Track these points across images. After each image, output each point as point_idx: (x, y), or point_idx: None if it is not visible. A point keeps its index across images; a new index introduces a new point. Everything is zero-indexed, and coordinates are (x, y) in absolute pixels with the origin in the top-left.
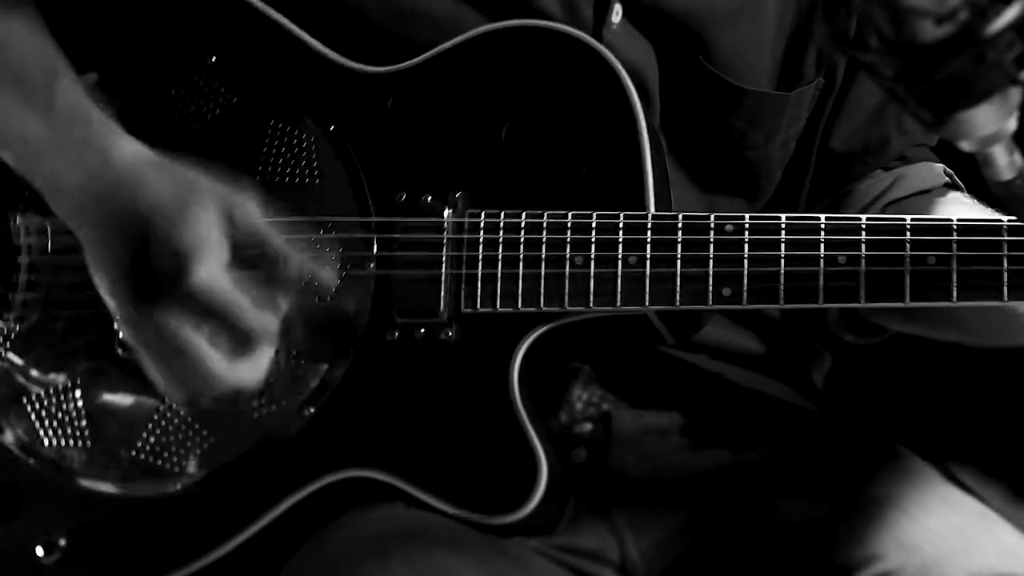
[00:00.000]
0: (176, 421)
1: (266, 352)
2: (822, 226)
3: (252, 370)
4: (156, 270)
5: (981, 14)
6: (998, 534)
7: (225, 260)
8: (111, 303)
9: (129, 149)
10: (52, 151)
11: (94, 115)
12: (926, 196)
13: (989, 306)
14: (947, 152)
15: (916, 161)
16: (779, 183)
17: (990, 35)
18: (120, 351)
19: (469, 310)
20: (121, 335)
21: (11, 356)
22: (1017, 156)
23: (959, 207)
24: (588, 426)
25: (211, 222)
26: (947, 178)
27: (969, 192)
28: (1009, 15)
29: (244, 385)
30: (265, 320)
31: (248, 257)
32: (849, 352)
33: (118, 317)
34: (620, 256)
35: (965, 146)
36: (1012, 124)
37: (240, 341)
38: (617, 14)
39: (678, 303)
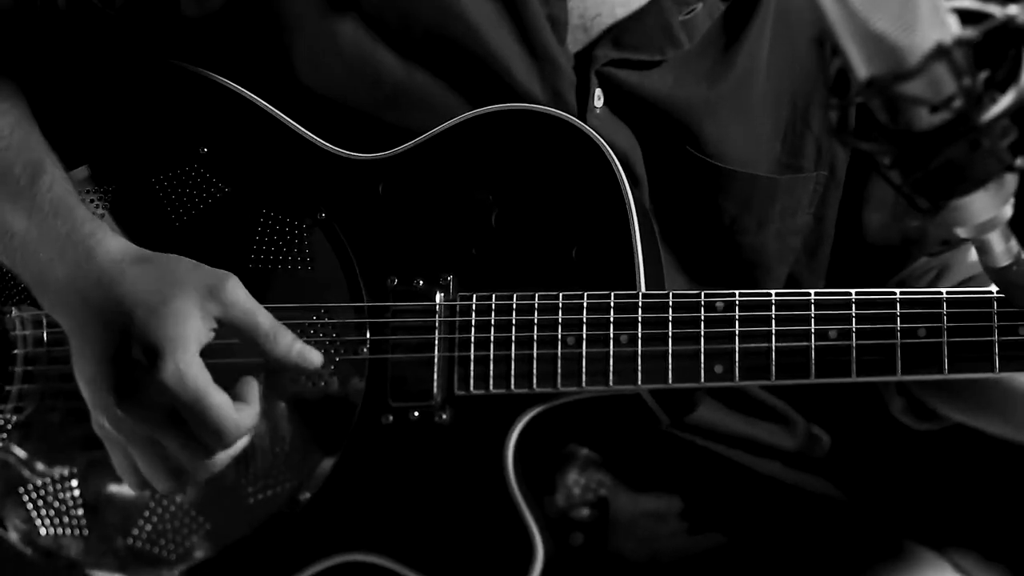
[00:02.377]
0: (173, 508)
1: (237, 445)
2: (812, 301)
3: (218, 462)
4: (134, 362)
5: (976, 102)
6: None
7: (197, 352)
8: (87, 393)
9: (114, 245)
10: (37, 246)
11: (79, 212)
12: (971, 283)
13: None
14: None
15: (961, 243)
16: (788, 279)
17: (985, 122)
18: None
19: (463, 392)
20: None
21: (8, 447)
22: (1013, 243)
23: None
24: (585, 511)
25: (188, 314)
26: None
27: None
28: (1004, 103)
29: (210, 473)
30: (233, 416)
31: (234, 338)
32: (847, 433)
33: (94, 406)
34: (612, 336)
35: (961, 233)
36: (1008, 211)
37: (210, 433)
38: (599, 99)
39: (670, 381)
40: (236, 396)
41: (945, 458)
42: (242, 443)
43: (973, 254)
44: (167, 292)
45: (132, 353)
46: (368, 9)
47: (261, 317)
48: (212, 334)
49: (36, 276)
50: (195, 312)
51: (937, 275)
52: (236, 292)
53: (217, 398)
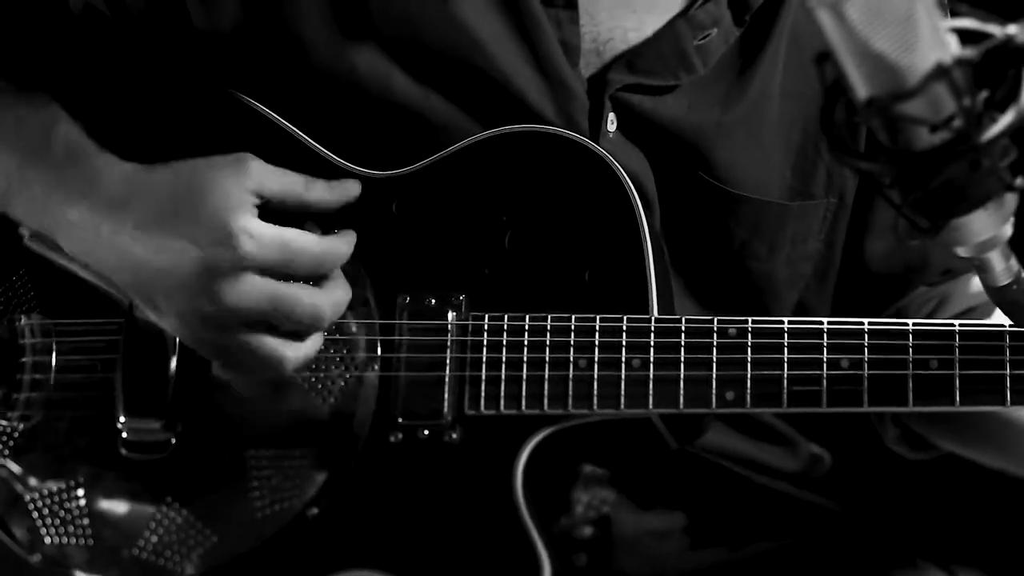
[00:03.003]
0: (179, 521)
1: (339, 274)
2: (825, 330)
3: (336, 298)
4: (206, 261)
5: (976, 122)
6: None
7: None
8: (188, 313)
9: (128, 167)
10: (56, 187)
11: (91, 147)
12: (972, 314)
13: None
14: None
15: (961, 273)
16: (799, 307)
17: (985, 142)
18: (123, 451)
19: (473, 412)
20: (124, 428)
21: (15, 455)
22: (1013, 262)
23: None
24: (588, 530)
25: (230, 193)
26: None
27: None
28: (1004, 122)
29: (335, 313)
30: (329, 249)
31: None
32: (849, 455)
33: (199, 321)
34: (624, 359)
35: (961, 252)
36: (1008, 230)
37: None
38: (612, 123)
39: (682, 406)
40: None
41: (949, 475)
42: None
43: (973, 285)
44: (203, 185)
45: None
46: (384, 33)
47: (290, 175)
48: (256, 209)
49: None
50: (235, 190)
51: (937, 305)
52: (257, 163)
53: (303, 292)
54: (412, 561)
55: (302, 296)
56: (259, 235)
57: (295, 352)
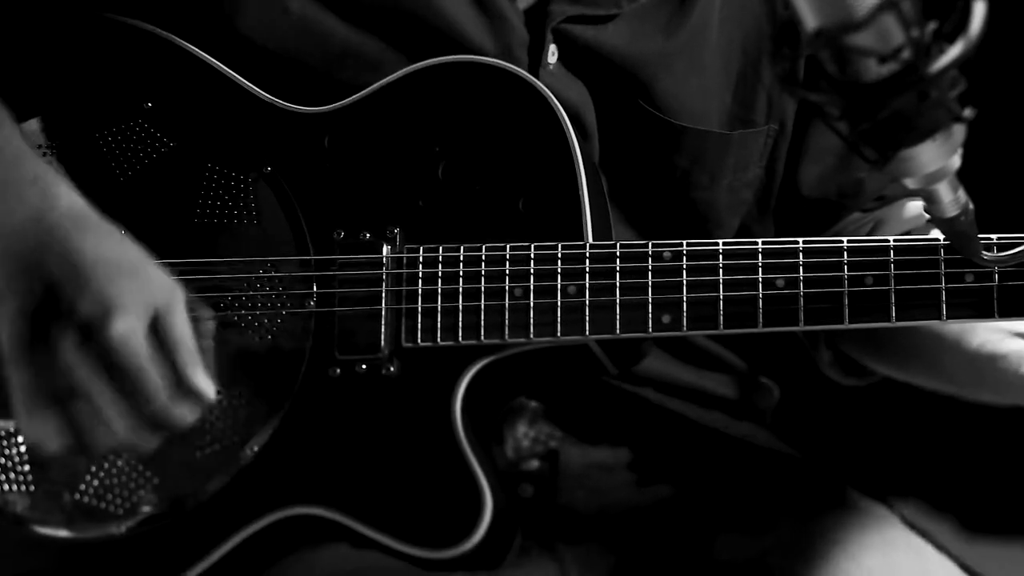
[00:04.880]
0: (120, 463)
1: (156, 436)
2: (759, 250)
3: (146, 442)
4: (78, 313)
5: (924, 53)
6: (933, 571)
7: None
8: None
9: (78, 201)
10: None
11: (40, 163)
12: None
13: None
14: None
15: (895, 199)
16: (739, 233)
17: (933, 73)
18: None
19: (410, 345)
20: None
21: None
22: (961, 193)
23: None
24: (535, 463)
25: (151, 293)
26: (927, 215)
27: None
28: (952, 53)
29: (135, 449)
30: (167, 405)
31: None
32: (798, 386)
33: (8, 348)
34: (559, 286)
35: (910, 183)
36: (956, 161)
37: (138, 412)
38: (552, 55)
39: (618, 331)
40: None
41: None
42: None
43: (908, 209)
44: (135, 259)
45: (78, 305)
46: None
47: (190, 341)
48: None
49: None
50: (153, 295)
51: (871, 230)
52: (182, 304)
53: (157, 379)
54: (354, 496)
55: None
56: (132, 340)
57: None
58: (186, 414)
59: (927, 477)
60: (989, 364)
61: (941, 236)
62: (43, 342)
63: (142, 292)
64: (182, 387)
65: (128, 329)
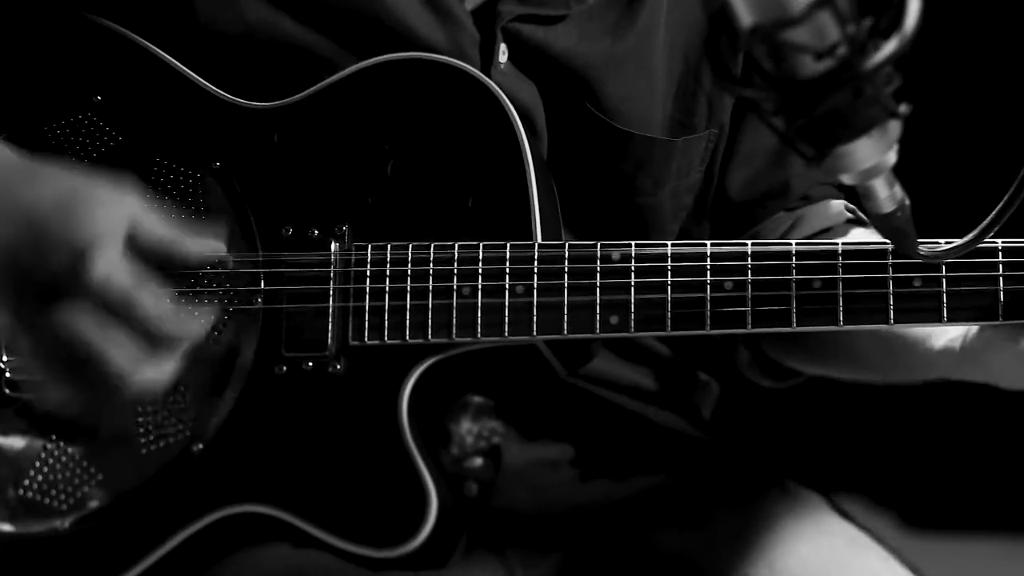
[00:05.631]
0: (64, 459)
1: (173, 354)
2: (708, 252)
3: (158, 373)
4: (51, 267)
5: (860, 49)
6: (868, 559)
7: (123, 253)
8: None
9: (11, 154)
10: None
11: None
12: (826, 235)
13: (883, 339)
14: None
15: (818, 200)
16: (679, 236)
17: (869, 70)
18: (6, 391)
19: (357, 343)
20: (7, 368)
21: None
22: (897, 189)
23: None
24: (478, 460)
25: (111, 217)
26: (849, 214)
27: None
28: (887, 50)
29: (148, 390)
30: (171, 317)
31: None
32: (737, 382)
33: (5, 323)
34: (507, 286)
35: (846, 180)
36: (892, 157)
37: (145, 340)
38: (503, 54)
39: (566, 332)
40: None
41: (836, 408)
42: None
43: (831, 206)
44: (84, 194)
45: (48, 258)
46: None
47: (166, 226)
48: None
49: None
50: (110, 220)
51: (792, 225)
52: (138, 200)
53: (151, 297)
54: (299, 494)
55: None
56: (113, 275)
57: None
58: (192, 321)
59: (869, 473)
60: (917, 346)
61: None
62: (31, 314)
63: (104, 219)
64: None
65: (105, 267)
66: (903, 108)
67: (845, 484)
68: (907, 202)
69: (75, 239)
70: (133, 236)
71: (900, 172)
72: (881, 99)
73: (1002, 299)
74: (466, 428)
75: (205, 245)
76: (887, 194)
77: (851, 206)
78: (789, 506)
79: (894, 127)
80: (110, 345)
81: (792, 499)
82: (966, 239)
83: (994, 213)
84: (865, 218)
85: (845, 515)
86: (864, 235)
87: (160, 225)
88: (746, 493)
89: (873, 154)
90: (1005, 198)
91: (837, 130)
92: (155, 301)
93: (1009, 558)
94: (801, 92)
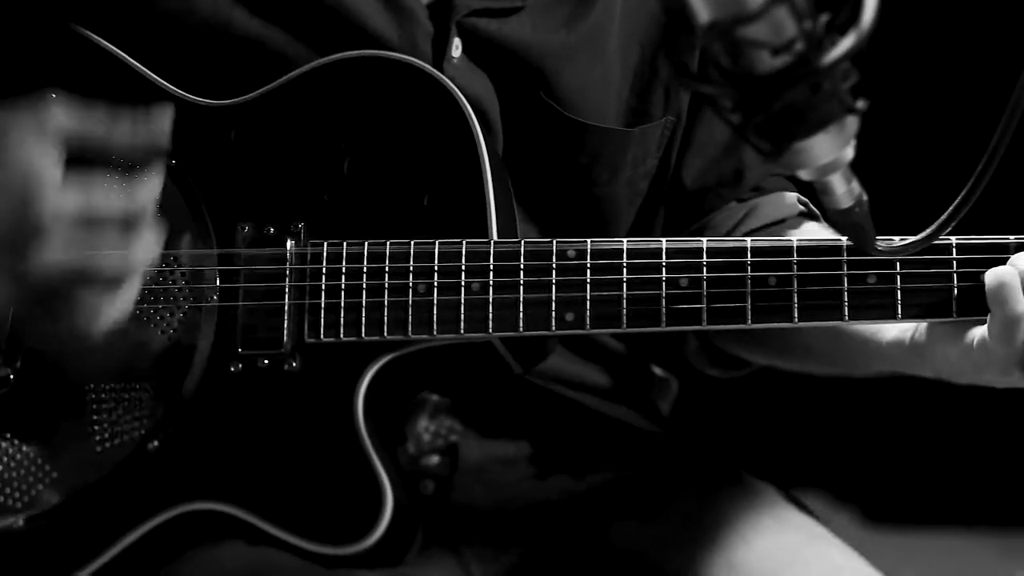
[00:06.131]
0: (19, 457)
1: (148, 219)
2: (663, 249)
3: (147, 246)
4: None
5: (817, 45)
6: (825, 551)
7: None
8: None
9: None
10: None
11: None
12: (779, 227)
13: (833, 332)
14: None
15: (771, 191)
16: (634, 222)
17: (826, 65)
18: None
19: (313, 340)
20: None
21: None
22: (855, 184)
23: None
24: (435, 458)
25: (36, 144)
26: (802, 207)
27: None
28: (844, 45)
29: (147, 260)
30: (129, 195)
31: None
32: (697, 379)
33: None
34: (463, 283)
35: (804, 175)
36: (849, 153)
37: (122, 223)
38: (457, 48)
39: (521, 329)
40: None
41: (798, 402)
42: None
43: (785, 198)
44: (3, 133)
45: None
46: None
47: (94, 117)
48: (58, 155)
49: None
50: (35, 139)
51: (744, 216)
52: (59, 105)
53: (102, 191)
54: (255, 492)
55: (109, 253)
56: (60, 191)
57: (108, 305)
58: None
59: (831, 468)
60: (867, 340)
61: (844, 238)
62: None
63: (30, 149)
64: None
65: (52, 199)
66: (860, 104)
67: (807, 479)
68: (864, 198)
69: (12, 181)
70: (67, 145)
71: (857, 168)
72: (838, 95)
73: (956, 295)
74: (423, 426)
75: (134, 131)
76: (844, 190)
77: (804, 199)
78: (747, 500)
79: (851, 123)
80: (91, 260)
81: (750, 493)
82: (922, 235)
83: (950, 210)
84: (817, 211)
85: (803, 508)
86: (817, 228)
87: (85, 116)
88: (704, 488)
89: (830, 150)
90: (961, 195)
91: (794, 126)
92: (109, 202)
93: (970, 552)
94: (758, 88)
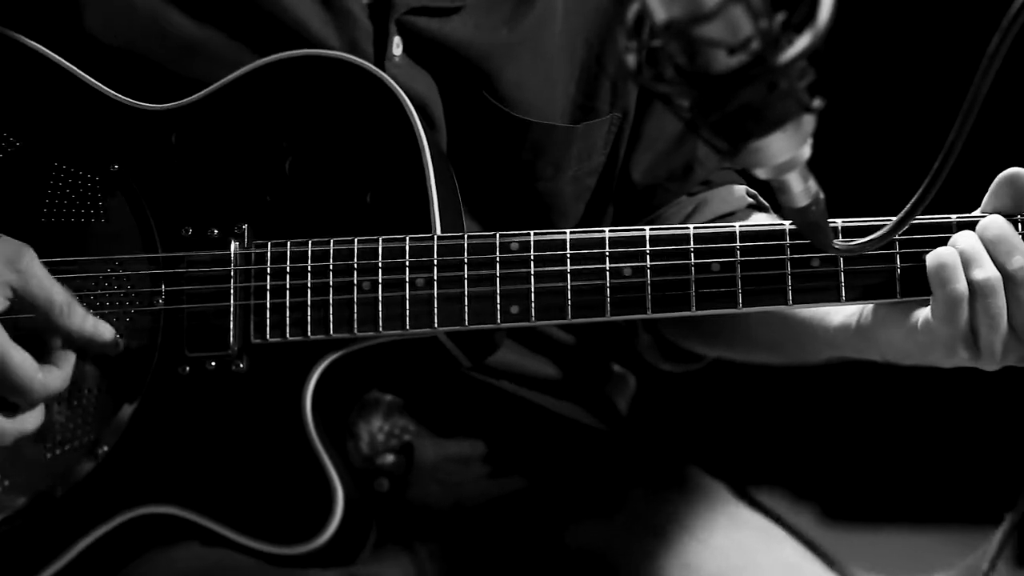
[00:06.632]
0: None
1: (36, 406)
2: (607, 239)
3: (26, 421)
4: None
5: (773, 44)
6: (779, 550)
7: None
8: None
9: None
10: None
11: None
12: (729, 219)
13: (781, 319)
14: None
15: (720, 185)
16: (583, 218)
17: (782, 64)
18: None
19: (259, 341)
20: None
21: None
22: (812, 183)
23: None
24: (390, 457)
25: None
26: (750, 199)
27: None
28: (800, 44)
29: (19, 433)
30: (37, 375)
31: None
32: (656, 376)
33: None
34: (408, 279)
35: (760, 174)
36: (806, 152)
37: (13, 390)
38: (397, 47)
39: (467, 323)
40: (48, 361)
41: (757, 400)
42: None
43: (735, 191)
44: None
45: None
46: None
47: (56, 291)
48: (7, 303)
49: None
50: None
51: (694, 210)
52: (33, 264)
53: (18, 356)
54: (205, 494)
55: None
56: None
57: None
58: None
59: (790, 466)
60: (815, 326)
61: (788, 223)
62: None
63: None
64: (72, 335)
65: None
66: (817, 102)
67: (766, 477)
68: (821, 196)
69: None
70: (21, 292)
71: (814, 166)
72: (795, 93)
73: (899, 276)
74: (377, 426)
75: (86, 318)
76: (801, 188)
77: (752, 191)
78: (702, 500)
79: (808, 121)
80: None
81: (705, 492)
82: (879, 233)
83: (907, 208)
84: (767, 203)
85: (758, 507)
86: (766, 219)
87: (50, 287)
88: (659, 487)
89: (787, 148)
90: (917, 193)
91: (750, 124)
92: (22, 360)
93: (929, 548)
94: (714, 87)
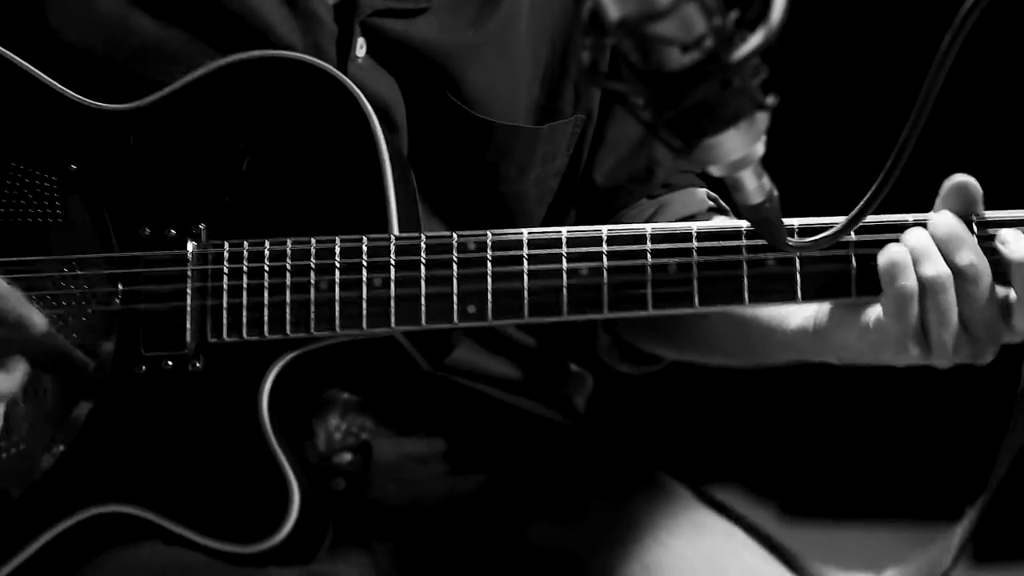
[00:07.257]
0: None
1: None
2: (564, 239)
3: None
4: None
5: (726, 41)
6: (743, 555)
7: None
8: None
9: None
10: None
11: None
12: (689, 222)
13: (739, 321)
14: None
15: (681, 187)
16: (545, 220)
17: (735, 62)
18: None
19: (216, 340)
20: None
21: None
22: (766, 180)
23: None
24: (347, 456)
25: None
26: (711, 202)
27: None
28: (753, 42)
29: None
30: None
31: None
32: (613, 375)
33: None
34: (365, 279)
35: (715, 171)
36: (760, 149)
37: None
38: (361, 48)
39: (423, 323)
40: None
41: (719, 397)
42: None
43: (694, 193)
44: None
45: None
46: None
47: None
48: None
49: None
50: None
51: (655, 212)
52: (22, 364)
53: None
54: (162, 493)
55: None
56: None
57: None
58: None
59: (748, 464)
60: (772, 328)
61: (744, 223)
62: None
63: None
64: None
65: None
66: (770, 100)
67: (725, 475)
68: (775, 193)
69: None
70: None
71: (768, 164)
72: (748, 91)
73: (854, 275)
74: (334, 424)
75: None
76: (755, 185)
77: (713, 194)
78: (663, 502)
79: (762, 119)
80: None
81: (666, 494)
82: (832, 231)
83: (860, 205)
84: (727, 206)
85: (720, 509)
86: (725, 222)
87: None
88: (620, 486)
89: (741, 146)
90: (871, 190)
91: (704, 122)
92: None
93: (887, 543)
94: (668, 85)
